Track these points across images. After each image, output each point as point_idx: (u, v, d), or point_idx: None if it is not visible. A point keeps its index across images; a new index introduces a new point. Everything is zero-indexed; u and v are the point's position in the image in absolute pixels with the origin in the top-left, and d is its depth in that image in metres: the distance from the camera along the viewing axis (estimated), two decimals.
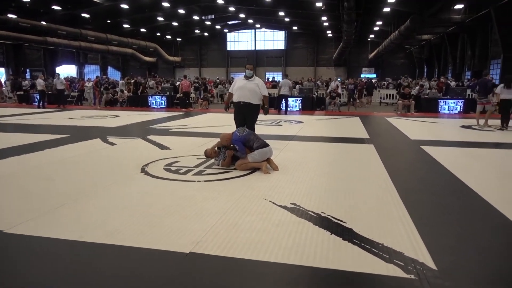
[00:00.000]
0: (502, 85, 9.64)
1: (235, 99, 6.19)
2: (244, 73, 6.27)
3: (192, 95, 17.95)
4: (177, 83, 19.59)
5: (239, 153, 5.03)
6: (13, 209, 3.43)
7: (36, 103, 16.84)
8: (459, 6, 25.45)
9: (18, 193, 3.93)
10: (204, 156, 5.56)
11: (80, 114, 13.17)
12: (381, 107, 17.98)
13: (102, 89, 17.90)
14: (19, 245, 2.74)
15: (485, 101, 10.09)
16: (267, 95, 6.43)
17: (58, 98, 16.91)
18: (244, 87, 6.09)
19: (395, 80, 24.88)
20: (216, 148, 5.25)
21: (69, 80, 22.29)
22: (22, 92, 19.36)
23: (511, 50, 22.87)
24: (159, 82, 21.81)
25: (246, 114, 6.12)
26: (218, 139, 5.26)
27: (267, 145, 5.01)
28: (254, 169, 4.88)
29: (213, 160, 5.34)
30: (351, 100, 16.34)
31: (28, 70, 33.81)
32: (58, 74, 18.02)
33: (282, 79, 16.97)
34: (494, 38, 25.01)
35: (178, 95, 16.93)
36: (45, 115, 13.08)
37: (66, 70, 38.08)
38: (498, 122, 9.63)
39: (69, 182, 4.35)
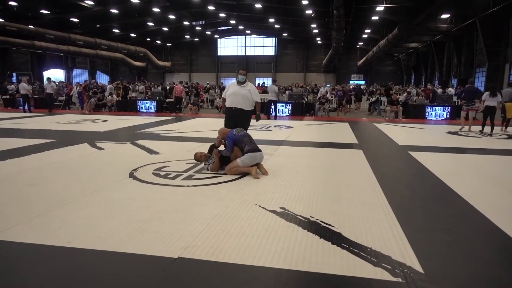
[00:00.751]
0: (487, 92, 10.09)
1: (227, 104, 6.23)
2: (236, 78, 6.30)
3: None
4: (168, 87, 19.54)
5: (225, 150, 5.03)
6: None
7: (21, 107, 16.58)
8: (445, 16, 26.04)
9: (4, 199, 3.85)
10: (193, 161, 5.54)
11: (68, 119, 13.01)
12: (370, 113, 18.17)
13: (90, 93, 17.74)
14: (4, 251, 2.68)
15: (471, 107, 10.40)
16: (260, 101, 6.46)
17: (47, 102, 16.72)
18: (237, 93, 6.12)
19: (383, 87, 25.25)
20: (206, 153, 5.26)
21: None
22: (7, 96, 19.05)
23: (495, 59, 23.43)
24: (149, 87, 21.73)
25: (238, 120, 6.14)
26: (209, 144, 5.28)
27: (258, 150, 5.01)
28: (243, 174, 4.88)
29: (202, 165, 5.33)
30: (340, 106, 16.54)
31: (14, 74, 33.31)
32: (50, 78, 17.62)
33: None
34: (479, 47, 25.60)
35: (168, 100, 16.88)
36: (31, 119, 12.88)
37: (54, 74, 37.61)
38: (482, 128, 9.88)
39: (56, 188, 4.28)
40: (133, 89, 19.42)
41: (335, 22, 24.46)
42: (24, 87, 15.86)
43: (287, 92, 18.10)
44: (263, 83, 31.00)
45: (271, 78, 42.96)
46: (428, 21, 27.04)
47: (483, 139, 8.99)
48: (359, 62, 42.88)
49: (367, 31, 34.14)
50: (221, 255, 2.60)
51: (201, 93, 21.30)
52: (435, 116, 14.53)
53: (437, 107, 14.65)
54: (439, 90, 18.20)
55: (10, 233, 2.94)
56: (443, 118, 14.41)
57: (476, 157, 6.72)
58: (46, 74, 37.01)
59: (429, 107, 14.81)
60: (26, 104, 15.99)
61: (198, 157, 5.30)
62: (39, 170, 5.18)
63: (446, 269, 2.47)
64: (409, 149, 7.24)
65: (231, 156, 5.01)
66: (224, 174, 4.93)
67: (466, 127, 10.36)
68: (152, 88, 20.23)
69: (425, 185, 4.63)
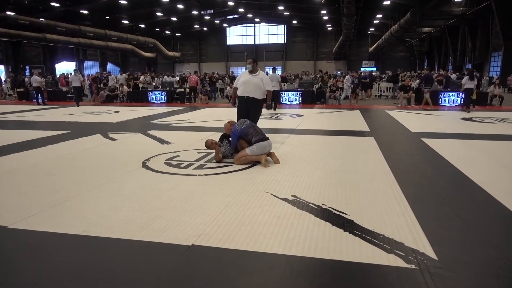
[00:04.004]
0: (467, 76, 11.78)
1: (239, 93, 6.19)
2: (245, 68, 6.29)
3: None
4: (177, 78, 19.59)
5: (229, 148, 5.04)
6: (16, 205, 3.45)
7: (35, 100, 16.80)
8: None
9: (21, 189, 3.94)
10: (205, 150, 5.58)
11: (80, 110, 13.17)
12: (381, 100, 17.96)
13: (101, 85, 17.90)
14: (23, 240, 2.76)
15: (430, 89, 13.18)
16: (271, 90, 6.41)
17: (76, 96, 15.39)
18: (249, 81, 6.09)
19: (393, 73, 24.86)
20: (218, 141, 5.26)
21: (65, 77, 22.18)
22: (22, 89, 19.36)
23: None
24: (156, 76, 21.86)
25: (249, 109, 6.13)
26: (220, 133, 5.28)
27: (266, 138, 4.97)
28: (254, 163, 4.89)
29: (213, 154, 5.35)
30: (355, 93, 16.12)
31: (27, 67, 33.78)
32: (76, 70, 16.45)
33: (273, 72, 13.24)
34: (495, 30, 24.90)
35: (178, 90, 16.93)
36: (45, 111, 13.09)
37: (66, 67, 38.11)
38: (498, 114, 9.74)
39: (71, 178, 4.37)
40: (147, 80, 19.57)
41: (346, 8, 24.05)
42: (36, 80, 16.07)
43: (297, 80, 17.92)
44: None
45: (281, 67, 42.79)
46: (441, 4, 26.37)
47: (498, 125, 8.81)
48: (370, 49, 42.23)
49: (378, 16, 33.48)
50: (234, 242, 2.63)
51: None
52: (448, 102, 14.25)
53: (450, 93, 14.36)
54: (453, 76, 17.84)
55: (29, 222, 3.02)
56: (457, 104, 14.13)
57: (490, 143, 6.60)
58: (58, 66, 37.50)
59: (442, 93, 14.52)
60: (39, 97, 16.21)
61: (209, 144, 5.27)
62: (55, 160, 5.28)
63: (459, 255, 2.45)
64: (422, 136, 7.14)
65: (238, 148, 5.01)
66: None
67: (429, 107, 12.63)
68: (160, 78, 20.31)
69: (438, 172, 4.57)
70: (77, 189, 3.89)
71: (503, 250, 2.55)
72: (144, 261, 2.40)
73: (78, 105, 14.94)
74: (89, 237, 2.75)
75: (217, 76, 23.05)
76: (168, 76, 21.66)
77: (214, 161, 5.10)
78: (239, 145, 5.01)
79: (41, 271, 2.31)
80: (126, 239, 2.70)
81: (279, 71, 36.78)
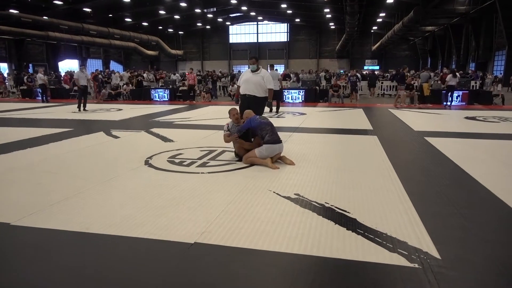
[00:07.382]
0: (450, 75, 13.06)
1: (241, 91, 6.22)
2: (248, 66, 6.30)
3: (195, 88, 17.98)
4: (177, 76, 19.58)
5: (237, 128, 4.98)
6: (19, 202, 3.46)
7: (40, 98, 16.87)
8: None
9: (24, 187, 3.95)
10: (207, 148, 5.57)
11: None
12: (384, 98, 17.90)
13: (104, 83, 17.91)
14: (25, 237, 2.77)
15: (403, 87, 14.03)
16: (272, 88, 6.39)
17: (80, 97, 12.49)
18: (250, 80, 6.11)
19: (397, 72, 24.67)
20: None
21: (70, 74, 22.21)
22: (25, 87, 19.43)
23: None
24: (160, 76, 21.85)
25: (251, 107, 6.12)
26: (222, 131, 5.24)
27: (278, 141, 4.81)
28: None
29: (216, 152, 5.34)
30: (353, 92, 16.24)
31: (30, 65, 33.89)
32: (83, 67, 13.81)
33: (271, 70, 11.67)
34: (499, 29, 24.77)
35: (181, 88, 16.95)
36: (48, 109, 13.12)
37: (69, 65, 38.16)
38: (501, 113, 9.67)
39: (74, 175, 4.37)
40: (150, 78, 19.53)
41: (349, 6, 23.99)
42: (41, 77, 16.17)
43: (300, 77, 17.82)
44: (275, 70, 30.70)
45: (283, 65, 42.68)
46: (445, 3, 26.23)
47: (501, 124, 8.77)
48: (374, 47, 42.08)
49: (382, 15, 33.36)
50: (237, 240, 2.62)
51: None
52: (451, 101, 14.16)
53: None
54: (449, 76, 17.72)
55: (31, 219, 3.03)
56: (461, 104, 14.06)
57: (493, 142, 6.56)
58: (61, 64, 37.58)
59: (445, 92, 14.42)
60: (43, 94, 16.28)
61: (231, 114, 5.15)
62: (57, 158, 5.29)
63: (462, 254, 2.44)
64: (425, 134, 7.11)
65: (251, 141, 4.96)
66: (238, 161, 4.94)
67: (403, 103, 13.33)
68: (167, 77, 20.31)
69: (441, 171, 4.55)
70: (79, 186, 3.90)
71: (505, 248, 2.53)
72: (146, 259, 2.40)
73: (80, 109, 12.26)
74: (91, 234, 2.75)
75: (219, 74, 23.04)
76: (174, 74, 21.69)
77: (224, 131, 5.14)
78: (255, 140, 4.96)
79: (43, 268, 2.31)
80: (128, 237, 2.70)
81: (281, 69, 36.53)
